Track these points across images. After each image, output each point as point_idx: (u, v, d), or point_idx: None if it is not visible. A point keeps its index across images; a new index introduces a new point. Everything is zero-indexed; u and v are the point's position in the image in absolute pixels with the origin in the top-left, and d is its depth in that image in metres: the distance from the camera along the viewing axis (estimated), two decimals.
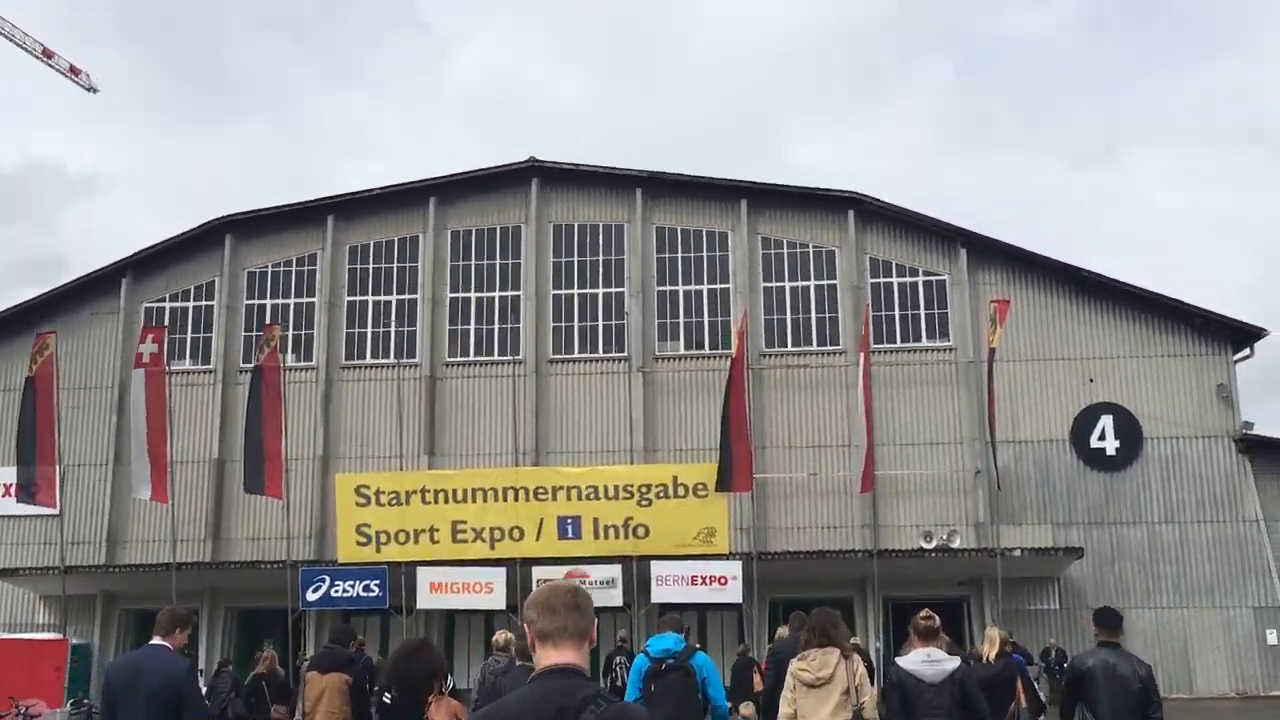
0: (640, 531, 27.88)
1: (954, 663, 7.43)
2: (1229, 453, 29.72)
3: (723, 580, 26.93)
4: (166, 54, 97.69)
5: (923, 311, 31.34)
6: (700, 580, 27.01)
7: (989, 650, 9.80)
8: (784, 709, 7.47)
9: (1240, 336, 30.31)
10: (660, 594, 26.92)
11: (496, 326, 32.34)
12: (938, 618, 7.76)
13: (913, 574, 28.94)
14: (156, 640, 7.68)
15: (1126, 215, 64.53)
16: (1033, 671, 22.51)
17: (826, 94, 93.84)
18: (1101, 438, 29.97)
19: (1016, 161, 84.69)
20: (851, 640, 8.65)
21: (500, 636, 11.87)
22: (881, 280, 31.59)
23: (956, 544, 29.03)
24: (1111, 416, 30.04)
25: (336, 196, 33.32)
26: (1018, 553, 27.46)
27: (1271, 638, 28.51)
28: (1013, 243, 31.06)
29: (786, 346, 31.52)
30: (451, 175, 33.21)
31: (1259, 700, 27.91)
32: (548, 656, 3.58)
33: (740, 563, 26.99)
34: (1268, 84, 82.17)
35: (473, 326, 32.52)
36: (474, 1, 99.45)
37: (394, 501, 28.52)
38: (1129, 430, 29.91)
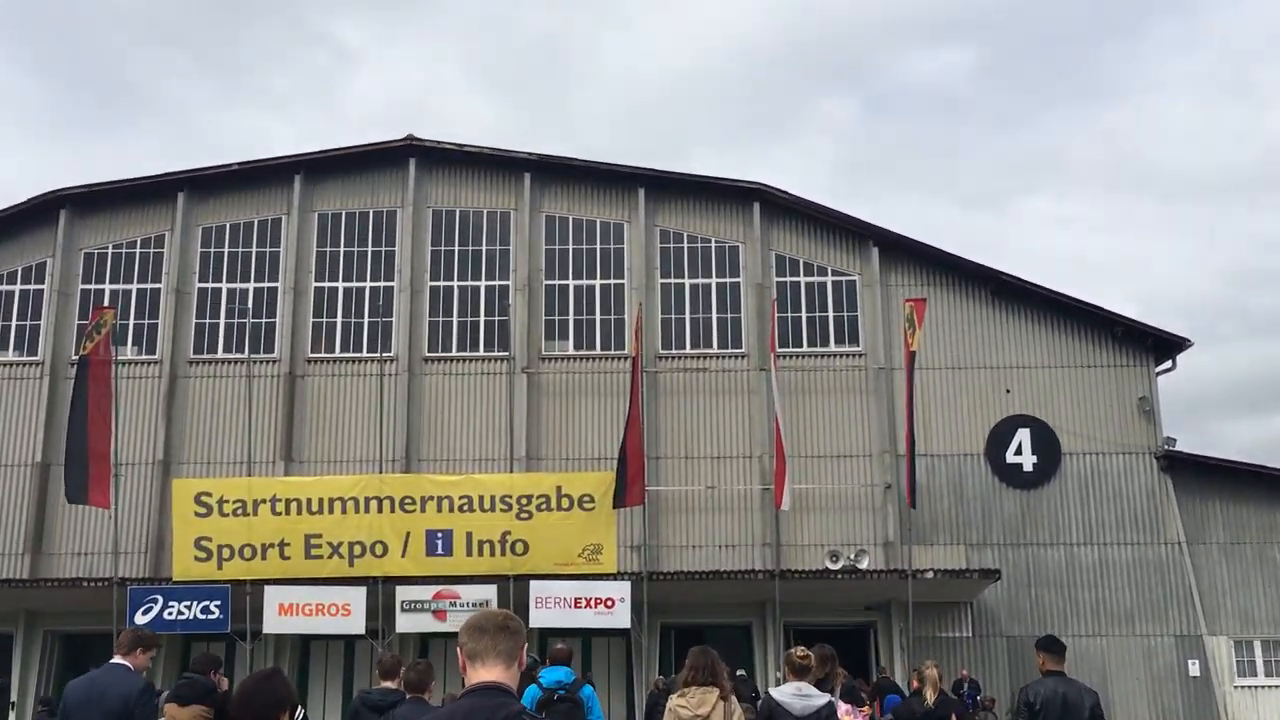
0: (519, 548, 25.04)
1: (823, 699, 7.60)
2: (1150, 470, 27.98)
3: (610, 603, 24.19)
4: (53, 63, 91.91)
5: (831, 314, 29.09)
6: (585, 602, 24.22)
7: (929, 692, 9.47)
8: None
9: (1162, 347, 28.69)
10: (540, 617, 24.06)
11: (366, 320, 29.16)
12: (812, 656, 8.00)
13: (817, 597, 26.54)
14: (117, 659, 7.63)
15: (1018, 261, 64.60)
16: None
17: (731, 128, 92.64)
18: (1018, 452, 28.00)
19: (913, 201, 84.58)
20: (739, 672, 8.78)
21: (387, 658, 10.93)
22: (788, 279, 29.27)
23: (865, 565, 26.67)
24: (1029, 430, 28.10)
25: (188, 171, 29.86)
26: (930, 574, 25.22)
27: (1194, 669, 26.73)
28: (928, 242, 29.02)
29: (685, 348, 28.96)
30: (320, 152, 30.03)
31: None
32: (476, 675, 3.71)
33: (629, 583, 24.32)
34: (1154, 135, 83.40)
35: (339, 319, 29.29)
36: (382, 24, 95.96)
37: (239, 512, 25.17)
38: (1047, 445, 28.00)
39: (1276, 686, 26.82)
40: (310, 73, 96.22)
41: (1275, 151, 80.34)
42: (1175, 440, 28.30)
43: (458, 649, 3.78)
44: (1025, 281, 28.74)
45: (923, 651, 26.47)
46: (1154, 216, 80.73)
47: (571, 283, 29.39)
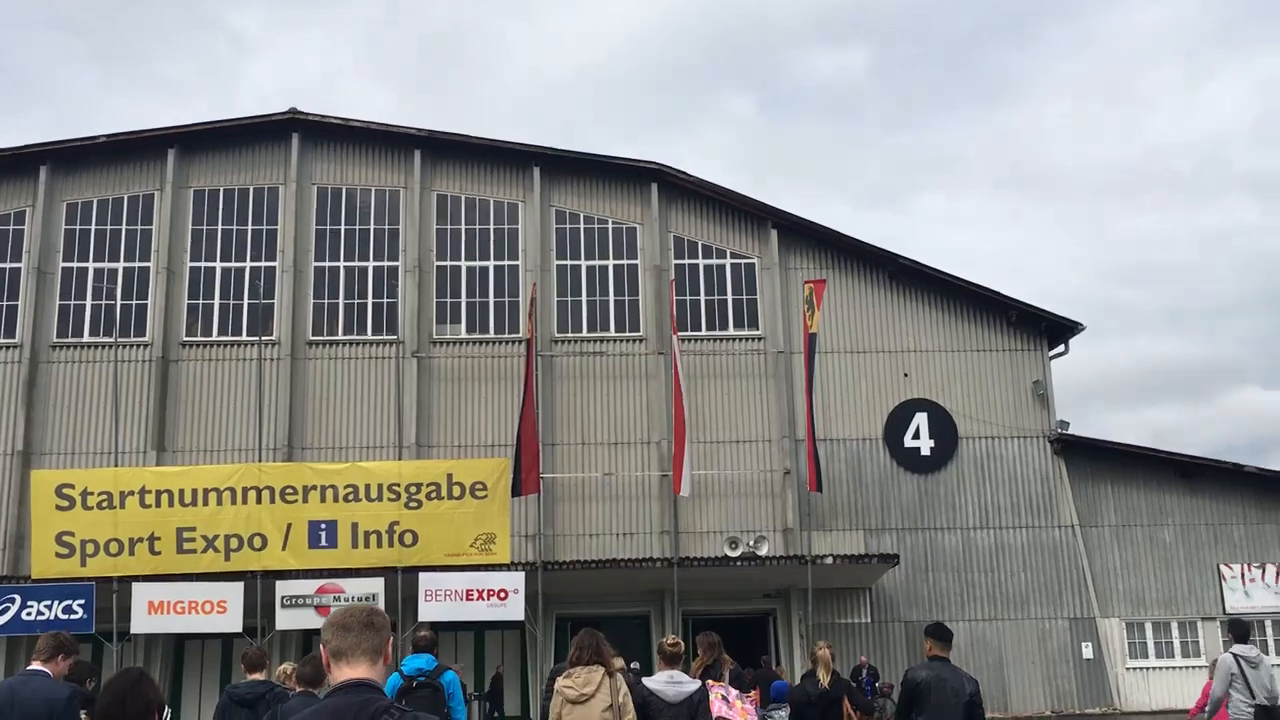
0: (408, 538, 23.96)
1: (694, 685, 7.79)
2: (1044, 454, 28.11)
3: (503, 594, 23.24)
4: None
5: (730, 297, 28.57)
6: (477, 594, 23.24)
7: (822, 673, 9.28)
8: None
9: (1055, 332, 28.83)
10: (430, 610, 23.04)
11: (245, 302, 27.69)
12: (683, 644, 8.21)
13: (716, 585, 26.03)
14: (36, 665, 7.19)
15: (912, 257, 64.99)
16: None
17: (631, 123, 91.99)
18: (916, 436, 27.87)
19: (811, 198, 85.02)
20: (633, 665, 8.85)
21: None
22: (686, 261, 28.67)
23: (764, 551, 26.27)
24: (926, 414, 27.99)
25: (53, 143, 28.00)
26: (830, 560, 24.89)
27: (1087, 651, 26.93)
28: (827, 225, 28.69)
29: (581, 331, 28.15)
30: (195, 125, 28.45)
31: (1075, 718, 26.22)
32: (341, 673, 3.63)
33: (524, 574, 23.41)
34: (1041, 136, 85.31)
35: (216, 301, 27.77)
36: (280, 10, 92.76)
37: (105, 504, 23.60)
38: (944, 429, 27.92)
39: (1167, 668, 27.18)
40: (205, 60, 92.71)
41: (1155, 152, 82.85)
42: (1068, 424, 28.48)
43: (321, 646, 3.77)
44: (923, 265, 28.62)
45: (822, 638, 26.13)
46: (1041, 215, 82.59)
47: (464, 264, 28.35)
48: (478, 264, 28.34)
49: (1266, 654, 27.16)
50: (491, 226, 28.57)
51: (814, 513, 26.79)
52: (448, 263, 28.29)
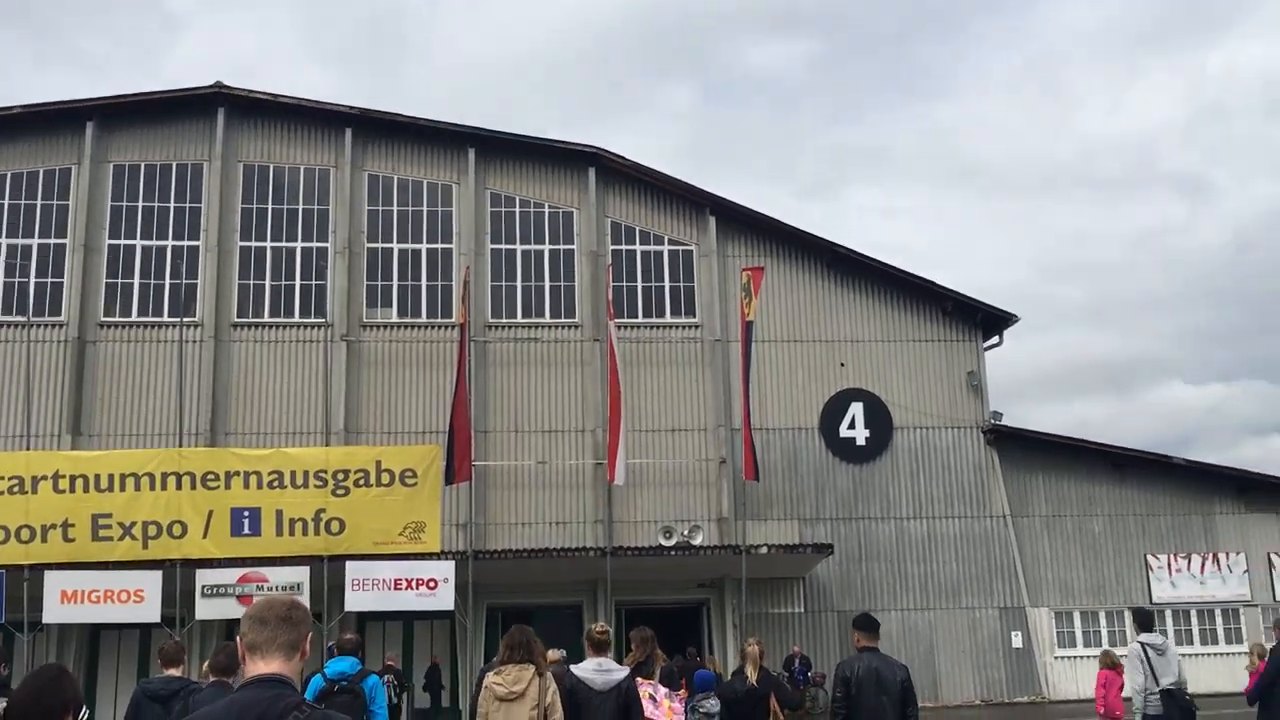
0: (334, 526, 23.27)
1: (622, 673, 7.82)
2: (978, 444, 28.23)
3: (432, 584, 22.70)
4: None
5: (667, 284, 28.27)
6: (406, 584, 22.67)
7: (750, 670, 9.29)
8: None
9: (991, 322, 28.95)
10: (357, 600, 22.51)
11: (167, 281, 26.80)
12: (610, 631, 8.16)
13: (650, 575, 25.72)
14: None
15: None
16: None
17: (571, 110, 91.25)
18: (851, 426, 27.82)
19: (749, 188, 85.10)
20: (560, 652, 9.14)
21: (169, 645, 10.29)
22: (624, 247, 28.30)
23: (698, 541, 26.04)
24: (862, 404, 27.95)
25: None
26: (764, 550, 24.72)
27: (1016, 640, 27.10)
28: (766, 213, 28.49)
29: (516, 317, 27.66)
30: (116, 97, 27.41)
31: (1004, 707, 26.37)
32: (255, 667, 3.59)
33: (454, 563, 22.90)
34: (975, 132, 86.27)
35: (136, 280, 26.83)
36: None
37: (16, 489, 22.60)
38: (879, 419, 27.91)
39: (1094, 657, 27.38)
40: (133, 37, 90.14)
41: (1085, 150, 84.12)
42: (1001, 415, 28.65)
43: (238, 638, 3.71)
44: (860, 255, 28.55)
45: (755, 628, 25.99)
46: (974, 210, 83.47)
47: (395, 246, 27.70)
48: (410, 246, 27.70)
49: (1191, 643, 27.67)
50: (425, 208, 27.94)
51: (749, 502, 26.61)
52: (379, 245, 27.62)
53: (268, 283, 27.17)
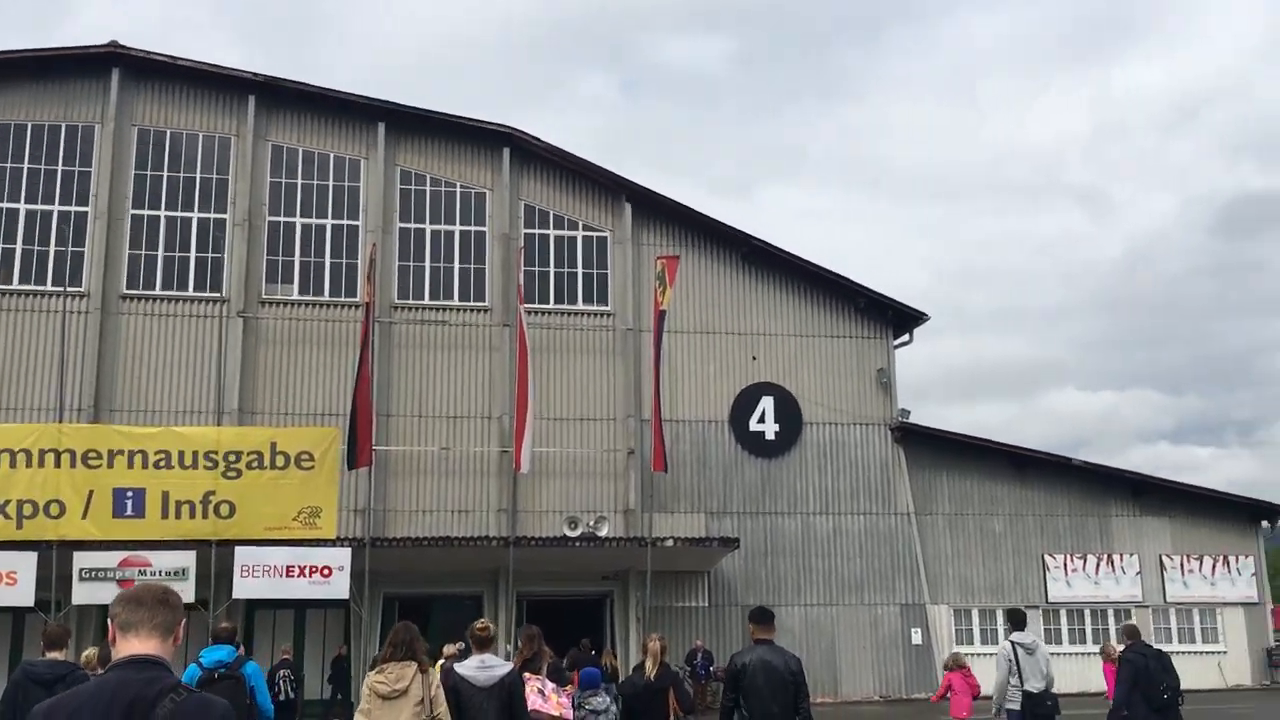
0: (224, 509, 22.36)
1: (506, 668, 7.83)
2: (885, 441, 28.26)
3: (327, 571, 21.94)
4: None
5: (580, 270, 27.71)
6: (299, 571, 21.88)
7: (650, 664, 9.13)
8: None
9: (901, 320, 29.00)
10: (246, 587, 21.68)
11: (52, 249, 25.39)
12: (493, 627, 8.09)
13: (553, 566, 25.20)
14: None
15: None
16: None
17: (486, 99, 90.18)
18: (761, 420, 27.63)
19: (665, 182, 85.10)
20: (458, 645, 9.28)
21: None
22: (537, 231, 27.67)
23: (604, 532, 25.58)
24: (772, 398, 27.77)
25: None
26: (670, 542, 24.36)
27: (916, 637, 27.21)
28: (682, 201, 28.11)
29: (423, 298, 26.85)
30: (5, 53, 25.84)
31: (902, 704, 26.43)
32: (129, 646, 3.47)
33: (350, 550, 22.12)
34: (888, 136, 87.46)
35: (19, 246, 25.36)
36: None
37: None
38: (789, 413, 27.76)
39: (991, 654, 27.59)
40: (29, 5, 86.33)
41: (994, 159, 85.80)
42: (909, 413, 28.74)
43: (109, 619, 3.58)
44: (775, 248, 28.35)
45: (659, 622, 25.65)
46: (885, 214, 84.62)
47: (299, 220, 26.66)
48: (314, 221, 26.70)
49: (1084, 642, 28.10)
50: (331, 183, 26.96)
51: (656, 494, 26.24)
52: (281, 218, 26.56)
53: (160, 253, 25.93)
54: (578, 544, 24.64)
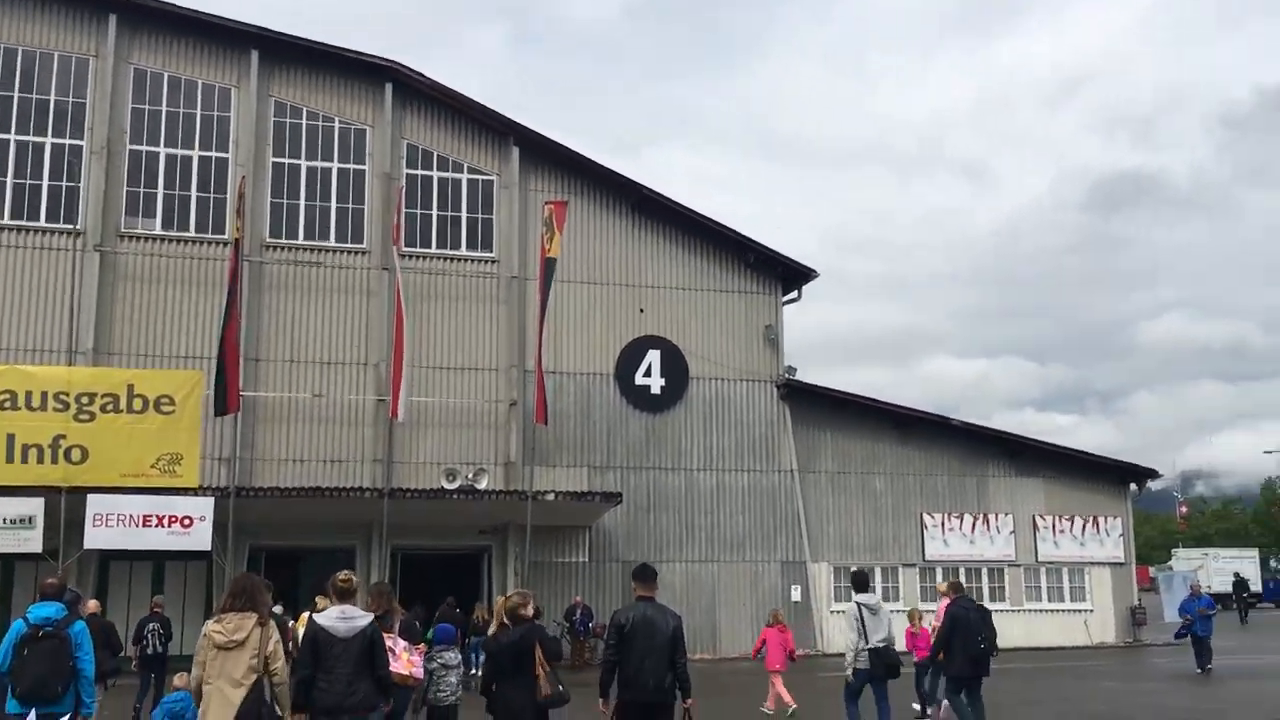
0: (76, 454, 21.03)
1: (366, 619, 7.82)
2: (771, 398, 28.05)
3: (187, 521, 20.78)
4: None
5: (465, 214, 26.71)
6: (157, 520, 20.69)
7: (494, 625, 9.10)
8: (194, 670, 7.41)
9: (791, 277, 28.74)
10: (99, 537, 20.47)
11: None
12: (355, 579, 8.05)
13: (430, 519, 24.40)
14: None
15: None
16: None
17: (372, 51, 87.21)
18: (647, 374, 27.14)
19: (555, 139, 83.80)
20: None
21: None
22: (420, 172, 26.54)
23: (483, 485, 24.83)
24: (659, 352, 27.29)
25: None
26: (551, 496, 23.76)
27: (795, 594, 27.19)
28: (573, 147, 27.30)
29: (297, 238, 25.54)
30: None
31: None
32: None
33: (213, 500, 20.96)
34: (779, 102, 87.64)
35: None
36: None
37: None
38: (676, 368, 27.33)
39: None
40: None
41: (882, 128, 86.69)
42: (795, 370, 28.60)
43: None
44: (666, 199, 27.77)
45: (539, 577, 25.11)
46: (776, 179, 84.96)
47: (163, 150, 25.05)
48: (179, 152, 25.12)
49: (977, 600, 28.46)
50: (199, 111, 25.38)
51: (538, 447, 25.56)
52: (143, 147, 24.91)
53: (9, 180, 24.08)
54: (455, 497, 23.83)
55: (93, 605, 15.08)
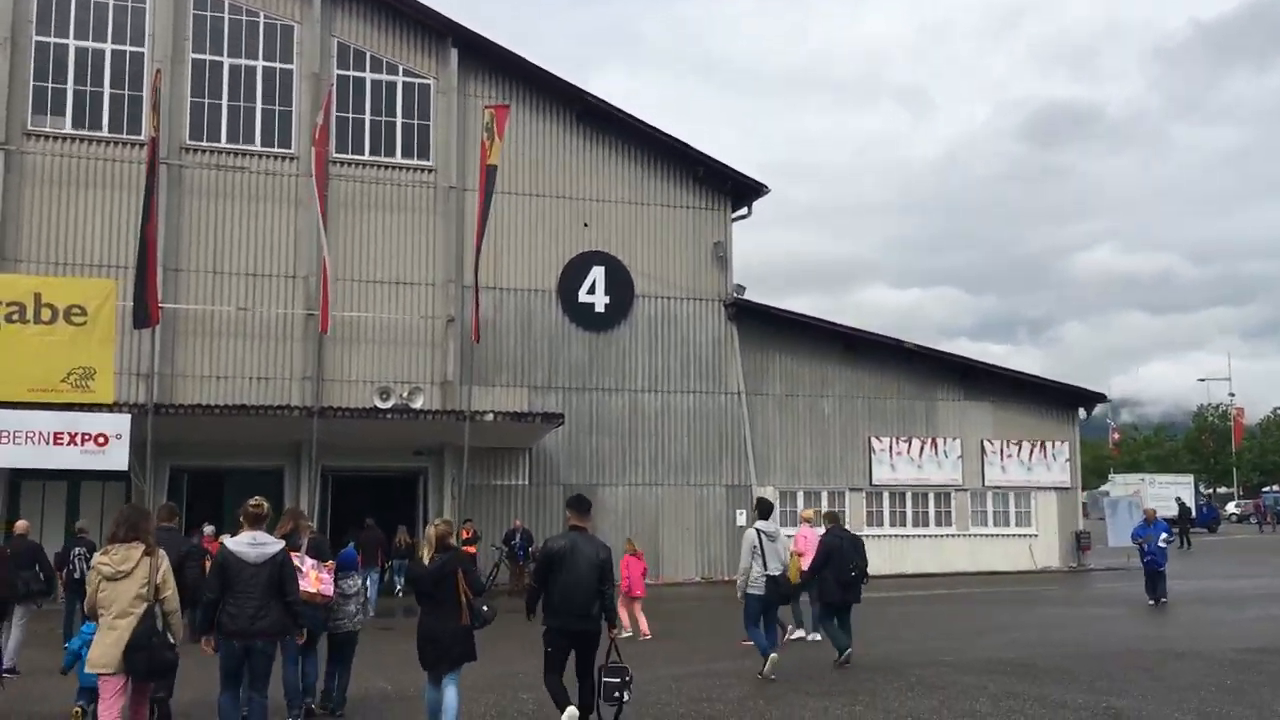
0: None
1: (276, 545, 7.96)
2: (719, 318, 27.20)
3: (102, 440, 19.62)
4: None
5: (400, 120, 25.28)
6: (69, 439, 19.54)
7: (426, 552, 8.57)
8: (88, 601, 7.51)
9: (740, 192, 27.73)
10: (8, 455, 19.40)
11: None
12: (266, 505, 8.17)
13: (362, 440, 23.38)
14: None
15: None
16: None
17: None
18: (591, 291, 26.13)
19: None
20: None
21: None
22: (352, 74, 25.02)
23: (419, 404, 23.81)
24: (604, 268, 26.26)
25: None
26: (490, 417, 22.80)
27: (740, 519, 26.60)
28: (515, 49, 25.87)
29: (219, 141, 24.00)
30: None
31: (723, 584, 25.86)
32: None
33: (130, 417, 19.75)
34: (717, 26, 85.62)
35: None
36: None
37: None
38: (620, 285, 26.33)
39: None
40: None
41: (821, 55, 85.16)
42: (745, 289, 27.70)
43: None
44: (613, 107, 26.52)
45: (476, 500, 24.28)
46: (713, 105, 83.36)
47: (72, 43, 23.27)
48: (90, 45, 23.36)
49: (905, 525, 28.19)
50: (111, 1, 23.57)
51: (476, 366, 24.55)
52: (50, 39, 23.12)
53: None
54: (389, 416, 22.78)
55: (21, 525, 14.19)
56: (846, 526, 13.76)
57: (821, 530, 13.75)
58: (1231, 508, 72.63)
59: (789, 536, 14.44)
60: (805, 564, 13.48)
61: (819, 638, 13.98)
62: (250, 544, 7.83)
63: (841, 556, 12.53)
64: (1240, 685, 10.72)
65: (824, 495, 27.69)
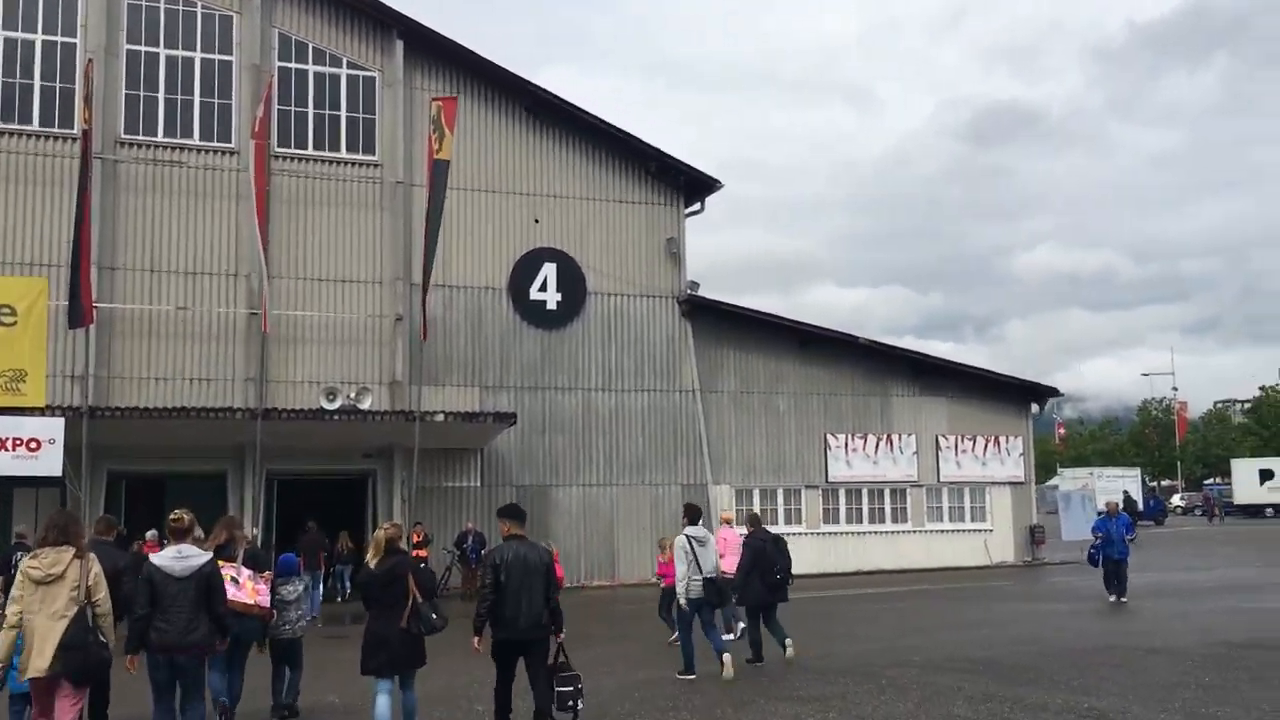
0: None
1: (203, 558, 7.89)
2: (673, 315, 26.83)
3: (34, 445, 18.82)
4: None
5: (344, 113, 24.63)
6: (0, 444, 18.56)
7: (372, 555, 8.56)
8: (11, 607, 7.37)
9: (693, 188, 27.38)
10: None
11: None
12: (187, 518, 8.01)
13: (309, 442, 22.73)
14: None
15: None
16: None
17: None
18: (543, 289, 25.64)
19: None
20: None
21: None
22: (294, 65, 24.33)
23: (367, 405, 23.19)
24: (555, 265, 25.78)
25: None
26: (440, 417, 22.24)
27: None
28: (462, 42, 25.32)
29: (156, 135, 23.22)
30: None
31: None
32: None
33: (64, 421, 18.96)
34: (667, 22, 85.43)
35: None
36: None
37: None
38: (572, 282, 25.88)
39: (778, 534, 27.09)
40: None
41: (770, 52, 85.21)
42: (699, 285, 27.37)
43: None
44: (562, 100, 26.05)
45: (427, 502, 23.72)
46: (662, 102, 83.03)
47: (2, 35, 22.38)
48: (19, 35, 22.48)
49: (861, 521, 28.01)
50: None
51: (426, 365, 23.98)
52: None
53: None
54: (336, 418, 22.14)
55: None
56: (768, 527, 13.68)
57: (741, 531, 13.64)
58: (1177, 500, 73.63)
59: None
60: (725, 565, 13.18)
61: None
62: (175, 558, 7.76)
63: (766, 559, 12.58)
64: (1220, 682, 10.52)
65: (780, 493, 27.45)
